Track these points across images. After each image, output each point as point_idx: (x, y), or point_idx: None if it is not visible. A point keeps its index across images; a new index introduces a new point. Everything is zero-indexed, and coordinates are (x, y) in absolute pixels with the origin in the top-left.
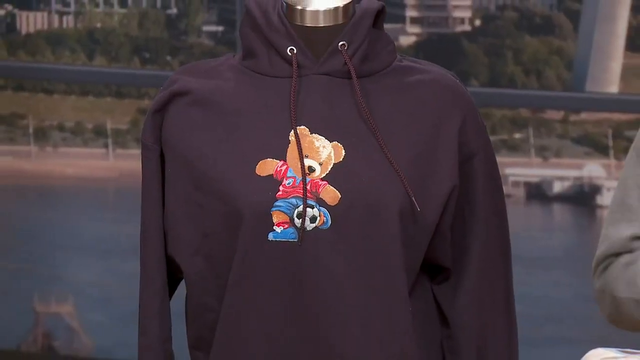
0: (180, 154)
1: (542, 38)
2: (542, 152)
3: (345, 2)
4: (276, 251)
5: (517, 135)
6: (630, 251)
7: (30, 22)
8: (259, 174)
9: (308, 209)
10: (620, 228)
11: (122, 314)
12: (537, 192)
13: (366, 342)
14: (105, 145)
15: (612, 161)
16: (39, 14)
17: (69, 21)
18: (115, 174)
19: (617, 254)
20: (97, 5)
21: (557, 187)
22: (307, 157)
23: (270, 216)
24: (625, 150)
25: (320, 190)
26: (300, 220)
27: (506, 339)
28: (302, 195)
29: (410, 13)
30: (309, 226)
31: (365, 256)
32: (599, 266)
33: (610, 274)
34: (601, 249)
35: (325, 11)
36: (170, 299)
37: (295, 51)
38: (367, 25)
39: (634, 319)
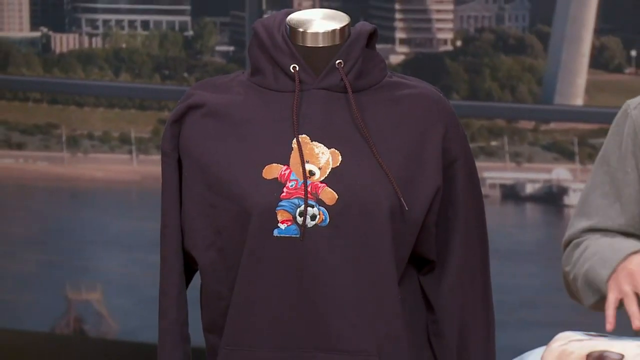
0: (196, 159)
1: (515, 57)
2: (516, 157)
3: (341, 25)
4: (280, 246)
5: (494, 143)
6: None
7: (64, 43)
8: (265, 177)
9: (309, 208)
10: (580, 221)
11: (144, 300)
12: (511, 193)
13: (360, 325)
14: (130, 152)
15: (578, 166)
16: (71, 36)
17: (97, 42)
18: (138, 177)
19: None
20: (122, 28)
21: (529, 189)
22: (308, 162)
23: (275, 215)
24: (590, 156)
25: (319, 191)
26: (302, 218)
27: (484, 323)
28: (303, 196)
29: (399, 35)
30: (310, 223)
31: (359, 250)
32: (563, 251)
33: (564, 256)
34: (564, 236)
35: (324, 33)
36: (186, 288)
37: (297, 68)
38: (361, 45)
39: (572, 290)
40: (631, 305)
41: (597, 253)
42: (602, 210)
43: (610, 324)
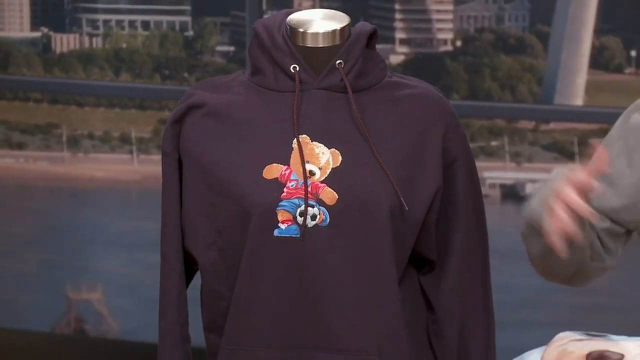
0: (196, 159)
1: (515, 57)
2: (516, 157)
3: (342, 25)
4: (281, 245)
5: (494, 143)
6: None
7: (64, 43)
8: (265, 177)
9: (309, 208)
10: None
11: (144, 300)
12: (511, 193)
13: (360, 325)
14: (130, 152)
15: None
16: (71, 36)
17: (98, 42)
18: (139, 177)
19: None
20: (123, 28)
21: (529, 189)
22: (308, 162)
23: (276, 214)
24: (589, 156)
25: (320, 191)
26: (302, 218)
27: (485, 323)
28: (304, 196)
29: (399, 35)
30: (310, 223)
31: (359, 249)
32: None
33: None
34: None
35: (324, 33)
36: (187, 288)
37: (297, 69)
38: (361, 45)
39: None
40: (558, 214)
41: (532, 200)
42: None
43: (562, 252)
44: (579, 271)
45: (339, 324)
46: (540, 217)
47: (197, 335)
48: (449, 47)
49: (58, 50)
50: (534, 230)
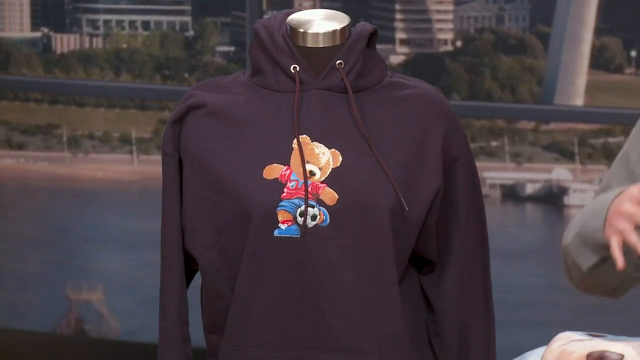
0: (196, 159)
1: (515, 57)
2: (516, 157)
3: (342, 26)
4: (281, 245)
5: (494, 143)
6: None
7: (64, 43)
8: (265, 177)
9: (309, 209)
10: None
11: (145, 300)
12: (511, 193)
13: (360, 325)
14: (130, 152)
15: (578, 166)
16: (71, 36)
17: (98, 42)
18: (139, 177)
19: None
20: (123, 28)
21: (529, 189)
22: (308, 162)
23: (276, 215)
24: (590, 157)
25: (320, 192)
26: (303, 218)
27: (485, 322)
28: (304, 197)
29: (400, 35)
30: (310, 224)
31: (360, 250)
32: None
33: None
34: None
35: (324, 34)
36: (187, 288)
37: (298, 69)
38: (361, 46)
39: (569, 265)
40: (631, 237)
41: (585, 212)
42: None
43: (620, 262)
44: (621, 283)
45: (339, 324)
46: (600, 233)
47: (198, 336)
48: (449, 48)
49: (58, 51)
50: (587, 244)
